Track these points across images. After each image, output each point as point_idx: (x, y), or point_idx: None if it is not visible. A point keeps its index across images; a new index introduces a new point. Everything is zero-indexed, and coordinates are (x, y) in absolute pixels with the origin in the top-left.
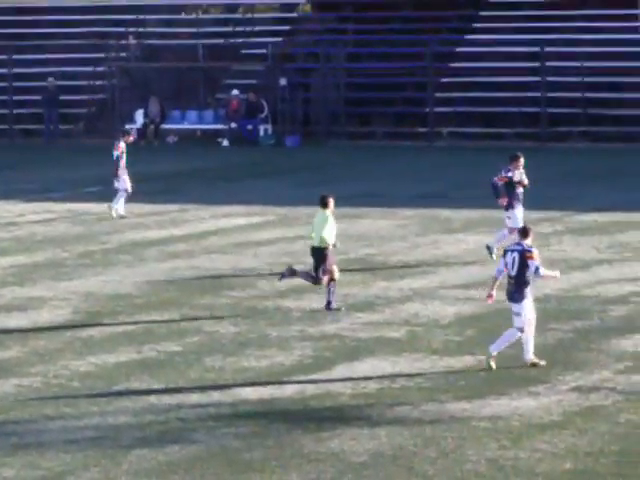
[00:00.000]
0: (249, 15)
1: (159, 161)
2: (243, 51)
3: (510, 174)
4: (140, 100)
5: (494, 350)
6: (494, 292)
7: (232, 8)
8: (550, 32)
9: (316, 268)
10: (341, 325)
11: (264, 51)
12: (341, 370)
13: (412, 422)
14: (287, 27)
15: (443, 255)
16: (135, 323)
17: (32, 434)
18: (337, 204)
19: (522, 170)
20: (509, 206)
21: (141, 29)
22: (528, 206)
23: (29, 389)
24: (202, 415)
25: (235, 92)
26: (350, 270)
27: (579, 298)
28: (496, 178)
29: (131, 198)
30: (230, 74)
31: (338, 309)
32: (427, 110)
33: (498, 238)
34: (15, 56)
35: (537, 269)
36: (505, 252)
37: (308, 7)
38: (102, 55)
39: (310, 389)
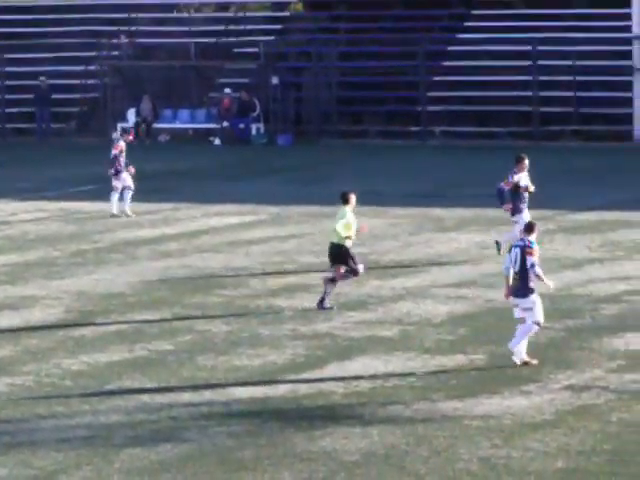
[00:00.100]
0: (241, 14)
1: (151, 160)
2: (235, 50)
3: (517, 178)
4: (132, 99)
5: (514, 346)
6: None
7: (224, 7)
8: (542, 31)
9: (336, 264)
10: (333, 324)
11: (256, 50)
12: (333, 369)
13: (404, 421)
14: (279, 26)
15: (436, 254)
16: (127, 322)
17: (24, 433)
18: (328, 203)
19: (527, 173)
20: (516, 210)
21: (133, 28)
22: None
23: (21, 388)
24: (194, 414)
25: (227, 91)
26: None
27: (571, 297)
28: (502, 184)
29: (121, 195)
30: (222, 73)
31: (330, 308)
32: (419, 109)
33: (507, 238)
34: (7, 55)
35: (532, 265)
36: (510, 248)
37: (300, 6)
38: (94, 54)
39: (302, 388)
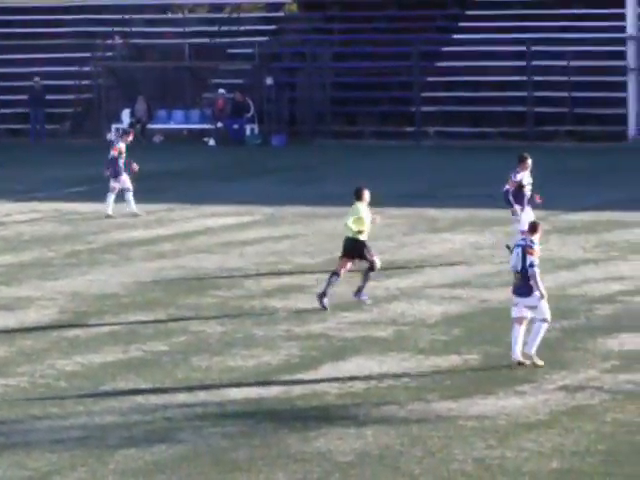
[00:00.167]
0: (235, 14)
1: (145, 161)
2: (229, 50)
3: (519, 177)
4: (126, 100)
5: (531, 350)
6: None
7: (218, 7)
8: (536, 31)
9: (346, 258)
10: (327, 325)
11: (250, 50)
12: (327, 370)
13: (398, 421)
14: (273, 26)
15: (430, 254)
16: (121, 323)
17: (19, 434)
18: (323, 203)
19: (529, 172)
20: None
21: (127, 29)
22: None
23: (16, 389)
24: (189, 415)
25: (221, 91)
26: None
27: (565, 297)
28: (507, 186)
29: (118, 197)
30: (216, 74)
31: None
32: (413, 109)
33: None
34: (0, 55)
35: (531, 265)
36: (514, 247)
37: (294, 6)
38: (88, 55)
39: (296, 389)
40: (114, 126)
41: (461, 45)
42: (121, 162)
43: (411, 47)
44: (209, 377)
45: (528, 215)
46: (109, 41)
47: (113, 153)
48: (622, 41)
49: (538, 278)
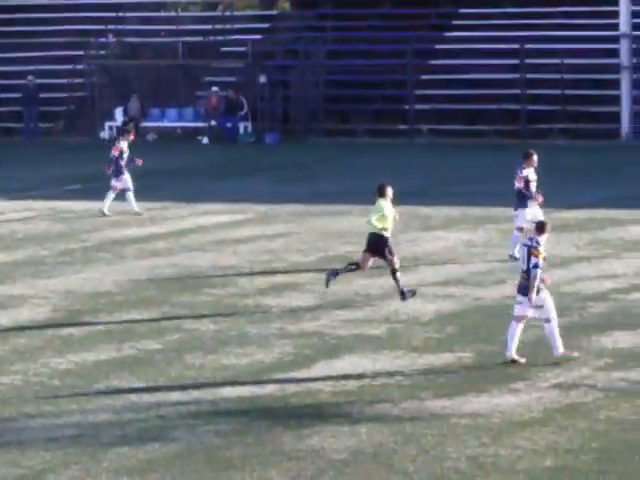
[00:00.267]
0: (228, 13)
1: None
2: (223, 49)
3: (525, 173)
4: (120, 98)
5: (558, 350)
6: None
7: (211, 6)
8: (529, 29)
9: (369, 253)
10: (321, 322)
11: (244, 49)
12: (321, 367)
13: (392, 419)
14: (266, 24)
15: (423, 252)
16: (115, 321)
17: (12, 432)
18: (316, 201)
19: (533, 169)
20: (520, 204)
21: (120, 27)
22: (508, 203)
23: (9, 387)
24: (182, 413)
25: (215, 89)
26: (330, 268)
27: (559, 295)
28: (517, 184)
29: (117, 196)
30: (210, 72)
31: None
32: (407, 107)
33: (513, 243)
34: None
35: (534, 266)
36: (521, 246)
37: (287, 4)
38: (81, 53)
39: (290, 387)
40: (107, 124)
41: (455, 43)
42: (122, 161)
43: (405, 45)
44: (203, 375)
45: (534, 212)
46: (102, 39)
47: (114, 153)
48: (615, 39)
49: (536, 282)
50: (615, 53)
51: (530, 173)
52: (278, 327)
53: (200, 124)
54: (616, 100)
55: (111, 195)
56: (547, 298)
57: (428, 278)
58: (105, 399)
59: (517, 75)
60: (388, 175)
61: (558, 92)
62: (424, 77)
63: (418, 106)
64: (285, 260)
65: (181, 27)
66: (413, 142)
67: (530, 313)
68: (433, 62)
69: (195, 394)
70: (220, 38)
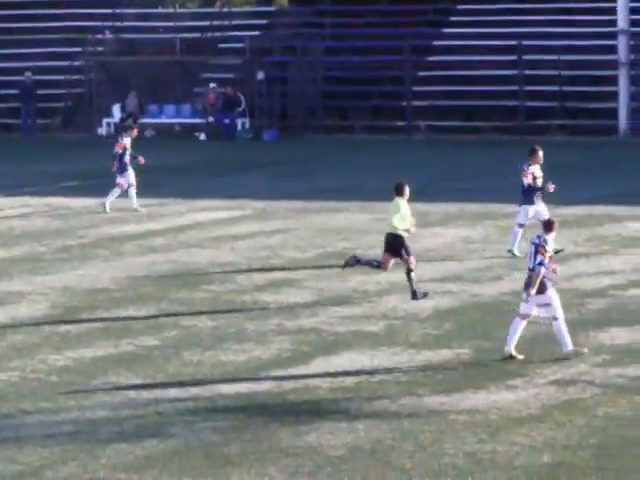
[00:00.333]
0: (226, 9)
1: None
2: (220, 45)
3: (531, 168)
4: (117, 94)
5: (568, 347)
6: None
7: (209, 2)
8: (527, 25)
9: (389, 254)
10: (319, 319)
11: (241, 45)
12: (319, 364)
13: (390, 416)
14: (264, 21)
15: (421, 249)
16: (113, 318)
17: (10, 429)
18: (314, 198)
19: (539, 166)
20: (525, 201)
21: (118, 23)
22: (506, 199)
23: (7, 384)
24: (180, 409)
25: (212, 86)
26: (328, 264)
27: (557, 291)
28: (525, 180)
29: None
30: (207, 68)
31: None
32: (405, 104)
33: (512, 238)
34: None
35: (539, 263)
36: (529, 244)
37: (285, 1)
38: (79, 49)
39: (288, 383)
40: (105, 120)
41: (452, 39)
42: (126, 158)
43: (402, 41)
44: (200, 372)
45: (538, 209)
46: (100, 36)
47: (118, 150)
48: (613, 35)
49: (538, 280)
50: (613, 49)
51: (536, 170)
52: (276, 323)
53: (198, 120)
54: (614, 96)
55: (116, 192)
56: (553, 296)
57: (426, 274)
58: (103, 395)
59: (515, 71)
60: (385, 171)
61: (556, 88)
62: (422, 74)
63: (416, 102)
64: (283, 256)
65: (179, 23)
66: (411, 138)
67: (535, 312)
68: (431, 58)
69: (193, 390)
70: (218, 34)
